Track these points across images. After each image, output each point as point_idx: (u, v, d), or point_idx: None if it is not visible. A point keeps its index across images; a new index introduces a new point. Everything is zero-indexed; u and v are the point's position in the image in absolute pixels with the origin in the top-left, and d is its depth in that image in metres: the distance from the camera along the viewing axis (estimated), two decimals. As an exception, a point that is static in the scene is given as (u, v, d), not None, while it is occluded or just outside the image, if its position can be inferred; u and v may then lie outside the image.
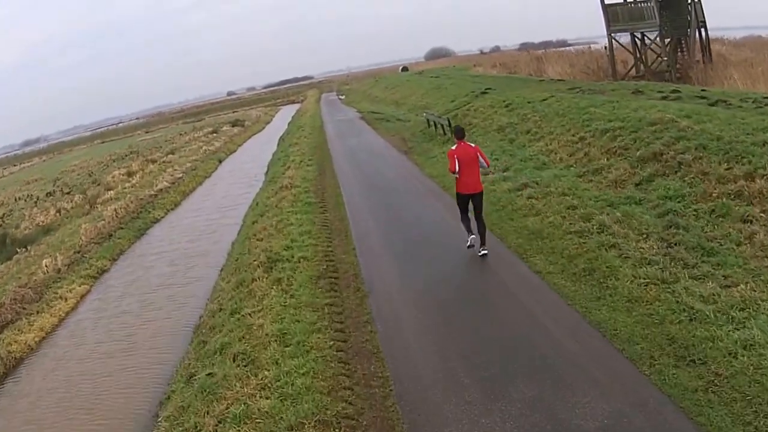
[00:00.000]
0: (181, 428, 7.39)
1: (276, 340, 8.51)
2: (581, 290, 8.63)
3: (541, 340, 7.50)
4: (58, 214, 29.77)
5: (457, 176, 10.61)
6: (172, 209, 26.40)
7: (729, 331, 6.82)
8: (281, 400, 7.04)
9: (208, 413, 7.29)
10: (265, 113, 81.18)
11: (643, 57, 31.74)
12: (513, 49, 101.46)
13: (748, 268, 8.25)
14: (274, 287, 10.67)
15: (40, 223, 28.29)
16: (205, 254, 17.83)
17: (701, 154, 11.79)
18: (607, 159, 13.87)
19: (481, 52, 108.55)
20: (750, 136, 11.73)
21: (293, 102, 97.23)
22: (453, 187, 11.51)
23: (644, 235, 9.78)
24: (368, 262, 11.53)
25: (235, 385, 7.63)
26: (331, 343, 8.34)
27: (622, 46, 33.02)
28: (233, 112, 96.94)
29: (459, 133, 10.99)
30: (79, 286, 16.74)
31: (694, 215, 10.15)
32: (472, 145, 10.99)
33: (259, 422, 6.75)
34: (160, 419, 8.37)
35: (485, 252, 10.57)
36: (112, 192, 31.18)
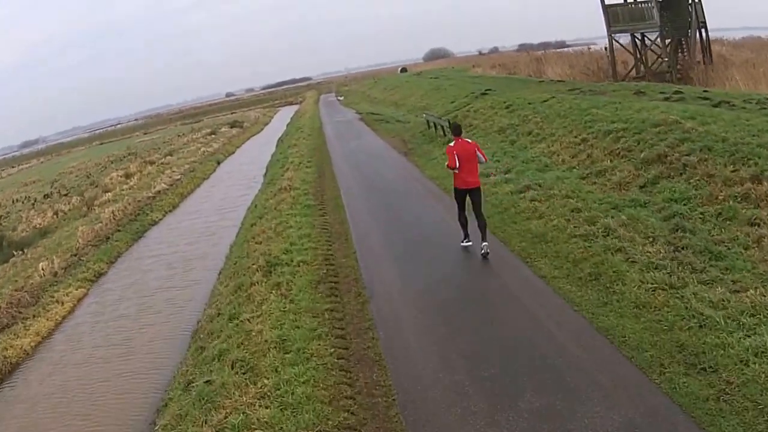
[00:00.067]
0: (178, 438, 7.23)
1: (275, 347, 8.32)
2: (587, 295, 8.44)
3: (548, 347, 7.31)
4: (55, 216, 29.61)
5: (457, 171, 10.72)
6: (170, 211, 26.24)
7: (740, 337, 6.64)
8: (281, 409, 6.85)
9: (206, 422, 7.10)
10: (264, 114, 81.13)
11: (644, 58, 31.60)
12: (512, 50, 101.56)
13: (757, 272, 8.07)
14: (273, 292, 10.47)
15: (37, 226, 28.13)
16: (203, 257, 17.67)
17: (706, 156, 11.63)
18: (611, 161, 13.70)
19: (480, 53, 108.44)
20: (756, 138, 11.58)
21: (292, 103, 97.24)
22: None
23: (650, 239, 9.59)
24: (369, 266, 11.34)
25: (233, 394, 7.44)
26: (332, 350, 8.15)
27: (623, 46, 32.89)
28: (232, 113, 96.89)
29: (456, 130, 11.24)
30: (76, 290, 16.57)
31: (700, 218, 9.97)
32: (470, 141, 11.17)
33: (259, 433, 6.57)
34: (157, 428, 8.18)
35: (487, 251, 10.51)
36: (109, 194, 31.04)
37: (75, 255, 19.78)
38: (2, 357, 12.69)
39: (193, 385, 8.41)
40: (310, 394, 7.04)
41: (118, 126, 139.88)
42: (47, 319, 14.71)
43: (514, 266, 10.04)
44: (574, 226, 10.80)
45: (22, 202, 38.94)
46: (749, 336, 6.64)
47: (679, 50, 30.23)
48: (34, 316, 14.86)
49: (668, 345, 6.89)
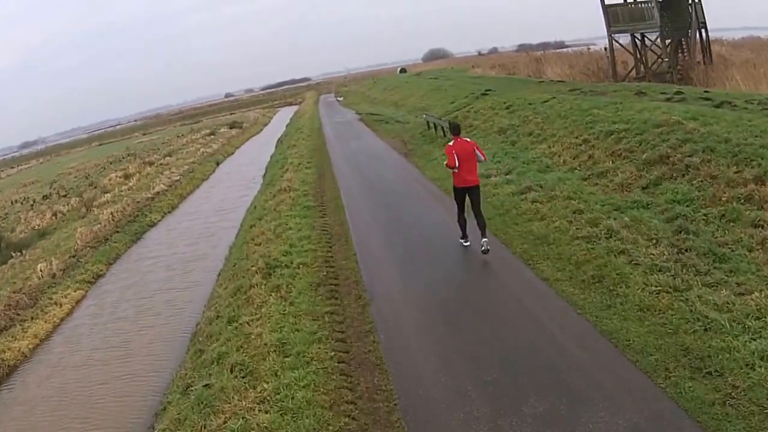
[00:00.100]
0: (177, 443, 7.15)
1: (275, 351, 8.23)
2: (590, 298, 8.35)
3: (552, 351, 7.23)
4: (54, 217, 29.53)
5: (456, 171, 10.78)
6: (169, 212, 26.20)
7: (745, 341, 6.57)
8: (281, 414, 6.77)
9: (204, 427, 7.04)
10: (263, 115, 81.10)
11: (644, 58, 31.52)
12: (511, 50, 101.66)
13: (761, 274, 8.00)
14: (273, 294, 10.39)
15: (36, 227, 28.06)
16: (203, 258, 17.61)
17: (709, 157, 11.54)
18: (612, 162, 13.60)
19: (479, 54, 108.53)
20: (759, 139, 11.49)
21: (291, 104, 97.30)
22: (455, 191, 11.44)
23: (654, 241, 9.50)
24: (369, 268, 11.23)
25: (232, 398, 7.36)
26: (333, 353, 8.06)
27: (623, 46, 32.81)
28: (231, 113, 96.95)
29: (455, 129, 11.32)
30: (75, 292, 16.52)
31: (703, 220, 9.88)
32: (468, 140, 11.23)
33: (259, 438, 6.49)
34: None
35: (487, 247, 10.52)
36: (108, 195, 30.98)
37: (73, 256, 19.71)
38: (0, 359, 12.61)
39: (192, 388, 8.33)
40: (311, 399, 6.95)
41: (118, 127, 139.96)
42: (45, 321, 14.65)
43: (516, 268, 9.94)
44: (577, 228, 10.70)
45: (21, 203, 38.87)
46: (755, 339, 6.57)
47: (679, 50, 30.15)
48: (32, 318, 14.79)
49: (673, 348, 6.82)
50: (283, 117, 68.99)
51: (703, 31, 30.21)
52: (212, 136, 55.45)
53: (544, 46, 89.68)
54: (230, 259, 15.10)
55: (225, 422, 6.91)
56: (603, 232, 10.13)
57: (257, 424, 6.65)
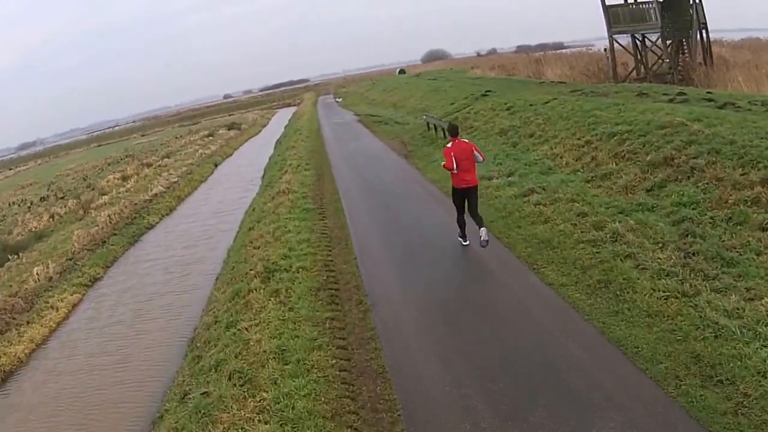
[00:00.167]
0: (174, 454, 6.97)
1: (274, 358, 8.04)
2: (597, 304, 8.17)
3: (558, 358, 7.05)
4: (51, 219, 29.35)
5: (455, 172, 10.81)
6: (167, 214, 26.02)
7: (757, 348, 6.42)
8: (281, 425, 6.59)
9: (202, 438, 6.86)
10: (262, 116, 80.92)
11: (644, 59, 31.40)
12: (510, 51, 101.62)
13: (770, 279, 7.83)
14: (272, 299, 10.19)
15: (33, 229, 27.85)
16: (201, 261, 17.47)
17: (714, 159, 11.36)
18: (616, 163, 13.41)
19: (478, 55, 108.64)
20: (764, 140, 11.29)
21: (290, 105, 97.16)
22: (456, 192, 11.35)
23: (660, 245, 9.32)
24: (370, 273, 11.04)
25: (231, 407, 7.17)
26: (334, 361, 7.87)
27: (623, 47, 32.68)
28: (229, 115, 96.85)
29: (453, 131, 11.32)
30: (71, 295, 16.35)
31: (710, 223, 9.69)
32: (467, 141, 11.26)
33: (258, 450, 6.32)
34: (153, 441, 7.98)
35: (486, 237, 10.56)
36: (106, 197, 30.79)
37: (70, 259, 19.55)
38: (-5, 365, 12.44)
39: (190, 396, 8.17)
40: (312, 409, 6.77)
41: (116, 128, 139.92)
42: (42, 326, 14.51)
43: (520, 273, 9.76)
44: (581, 232, 10.53)
45: (19, 205, 38.69)
46: (766, 346, 6.44)
47: (680, 51, 30.03)
48: (28, 323, 14.64)
49: (683, 356, 6.66)
50: (281, 118, 68.82)
51: (703, 31, 30.12)
52: (210, 138, 55.30)
53: (543, 47, 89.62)
54: (228, 263, 14.93)
55: (224, 432, 6.73)
56: (608, 236, 9.95)
57: (257, 435, 6.48)
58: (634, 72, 31.45)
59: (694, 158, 11.72)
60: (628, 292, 8.18)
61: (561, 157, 15.64)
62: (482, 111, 25.02)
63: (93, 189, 35.36)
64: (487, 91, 29.47)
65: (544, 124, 18.82)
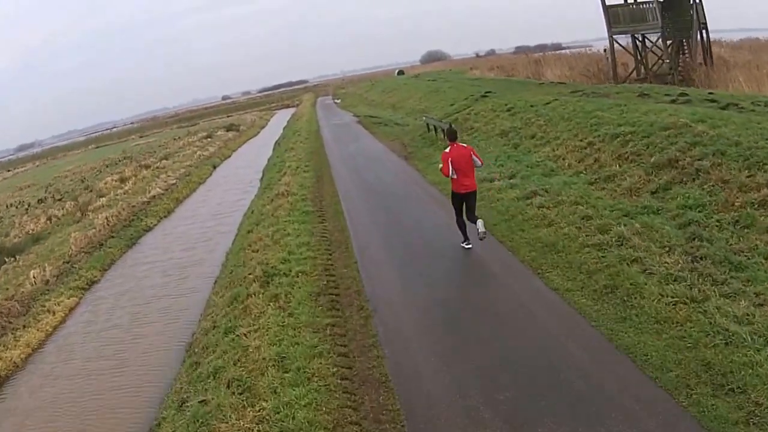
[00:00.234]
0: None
1: (274, 365, 7.85)
2: (604, 310, 7.99)
3: (566, 367, 6.86)
4: (48, 221, 29.15)
5: (454, 177, 10.80)
6: (165, 216, 25.87)
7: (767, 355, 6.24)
8: (281, 436, 6.41)
9: (200, 449, 6.68)
10: (260, 117, 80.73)
11: (644, 59, 31.26)
12: (508, 52, 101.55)
13: (780, 284, 7.67)
14: (271, 304, 10.01)
15: (30, 231, 27.69)
16: (199, 264, 17.32)
17: (720, 161, 11.20)
18: (620, 165, 13.25)
19: (477, 55, 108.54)
20: (770, 142, 11.17)
21: (288, 106, 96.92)
22: (457, 195, 11.26)
23: (667, 248, 9.15)
24: (371, 277, 10.84)
25: (230, 417, 6.99)
26: (335, 369, 7.67)
27: (623, 48, 32.54)
28: (228, 116, 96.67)
29: (452, 135, 11.22)
30: (68, 299, 16.19)
31: (717, 226, 9.54)
32: (465, 145, 11.24)
33: (258, 463, 6.14)
34: (149, 450, 7.81)
35: (483, 229, 10.58)
36: (104, 199, 30.63)
37: (67, 262, 19.39)
38: (-9, 369, 12.31)
39: (188, 404, 8.01)
40: (312, 419, 6.57)
41: (114, 129, 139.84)
42: (38, 330, 14.37)
43: (524, 277, 9.57)
44: (586, 235, 10.35)
45: (16, 207, 38.50)
46: (777, 353, 6.23)
47: (680, 52, 29.90)
48: (24, 327, 14.50)
49: (693, 364, 6.48)
50: (280, 119, 68.66)
51: (703, 32, 29.98)
52: (209, 139, 55.17)
53: (542, 47, 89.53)
54: (227, 266, 14.77)
55: (222, 443, 6.56)
56: (614, 240, 9.78)
57: (256, 447, 6.30)
58: (635, 72, 31.30)
59: (699, 160, 11.57)
60: (635, 298, 8.00)
61: (563, 159, 15.48)
62: (482, 112, 24.86)
63: (91, 191, 35.19)
64: (487, 92, 29.31)
65: (546, 125, 18.66)
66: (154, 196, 28.74)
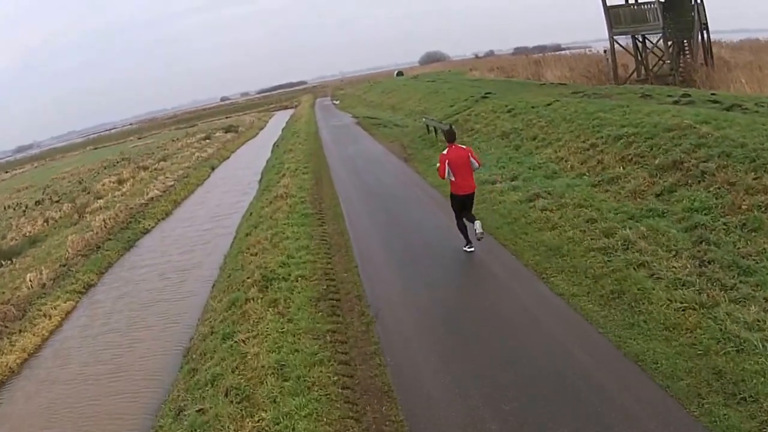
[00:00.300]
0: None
1: (273, 373, 7.65)
2: (611, 316, 7.79)
3: (574, 375, 6.67)
4: (45, 223, 28.93)
5: (453, 179, 10.79)
6: (163, 219, 25.67)
7: (780, 363, 6.07)
8: (281, 448, 6.22)
9: (198, 461, 6.49)
10: (259, 119, 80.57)
11: (645, 60, 31.12)
12: (507, 53, 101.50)
13: (790, 289, 7.50)
14: (270, 309, 9.81)
15: (27, 234, 27.44)
16: (197, 267, 17.15)
17: (725, 163, 11.03)
18: (623, 167, 13.07)
19: (476, 56, 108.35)
20: (776, 144, 11.00)
21: (287, 107, 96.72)
22: (458, 197, 11.14)
23: (674, 252, 8.96)
24: (372, 282, 10.64)
25: (228, 427, 6.81)
26: (336, 378, 7.46)
27: (624, 48, 32.40)
28: (227, 117, 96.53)
29: (450, 137, 11.18)
30: (65, 303, 16.00)
31: (724, 229, 9.34)
32: (464, 147, 11.25)
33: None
34: (146, 461, 7.63)
35: (481, 230, 10.57)
36: (101, 201, 30.45)
37: (64, 265, 19.19)
38: (-13, 375, 12.15)
39: (185, 413, 7.82)
40: (313, 431, 6.39)
41: (113, 130, 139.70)
42: (34, 335, 14.19)
43: (529, 282, 9.37)
44: (591, 239, 10.16)
45: (13, 209, 38.26)
46: (790, 361, 6.07)
47: (681, 52, 29.76)
48: (20, 331, 14.32)
49: (704, 372, 6.31)
50: (279, 121, 68.48)
51: (704, 32, 29.84)
52: (207, 140, 55.02)
53: (541, 48, 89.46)
54: (225, 270, 14.58)
55: (220, 456, 6.37)
56: (619, 243, 9.59)
57: (256, 460, 6.11)
58: (635, 73, 31.16)
59: (704, 162, 11.40)
60: (643, 303, 7.82)
61: (566, 161, 15.29)
62: (483, 113, 24.68)
63: (88, 193, 35.01)
64: (487, 93, 29.17)
65: (547, 126, 18.48)
66: (152, 198, 28.56)
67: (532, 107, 21.29)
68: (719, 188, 10.51)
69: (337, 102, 77.48)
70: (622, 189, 12.21)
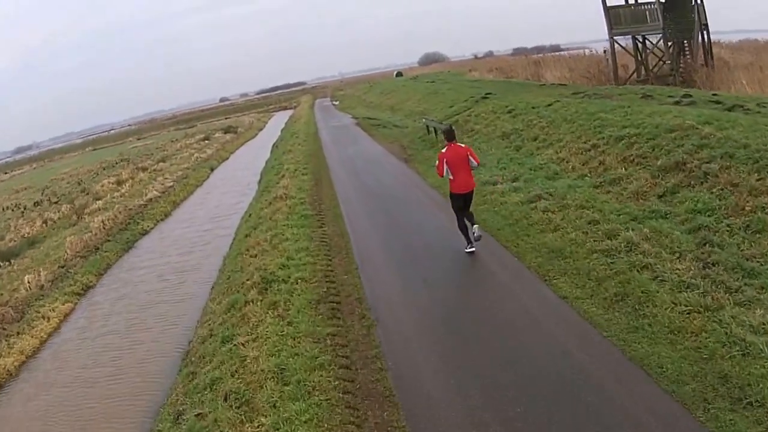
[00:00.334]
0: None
1: (273, 378, 7.55)
2: (615, 319, 7.68)
3: (579, 380, 6.56)
4: (44, 225, 28.80)
5: (451, 178, 10.83)
6: (162, 220, 25.57)
7: (786, 367, 5.98)
8: (281, 455, 6.12)
9: (197, 467, 6.40)
10: (258, 119, 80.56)
11: (645, 60, 31.04)
12: (506, 53, 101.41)
13: (795, 291, 7.41)
14: (270, 312, 9.71)
15: (26, 235, 27.30)
16: (196, 268, 17.06)
17: (728, 164, 10.94)
18: (625, 168, 12.98)
19: (476, 57, 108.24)
20: (779, 145, 10.92)
21: (286, 108, 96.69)
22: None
23: (678, 255, 8.87)
24: (373, 284, 10.53)
25: (227, 433, 6.72)
26: (336, 382, 7.35)
27: (624, 49, 32.32)
28: (226, 118, 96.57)
29: (449, 135, 11.25)
30: (63, 305, 15.91)
31: (727, 231, 9.25)
32: (462, 145, 11.28)
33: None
34: (144, 466, 7.53)
35: (480, 233, 10.75)
36: (100, 202, 30.33)
37: (62, 267, 19.11)
38: (-15, 378, 12.06)
39: (184, 417, 7.73)
40: (314, 437, 6.29)
41: (112, 131, 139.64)
42: (32, 337, 14.09)
43: (531, 284, 9.26)
44: (594, 240, 10.05)
45: (12, 210, 38.11)
46: (796, 365, 5.99)
47: (681, 53, 29.69)
48: (18, 334, 14.22)
49: (710, 376, 6.21)
50: (278, 121, 68.45)
51: (705, 33, 29.77)
52: (207, 141, 54.94)
53: (540, 49, 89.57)
54: (224, 271, 14.48)
55: (219, 462, 6.27)
56: (623, 245, 9.47)
57: (255, 466, 6.01)
58: (635, 74, 31.08)
59: (706, 163, 11.31)
60: (647, 306, 7.71)
61: (567, 162, 15.20)
62: (483, 114, 24.61)
63: (87, 194, 34.90)
64: (487, 94, 29.10)
65: (548, 127, 18.39)
66: (151, 199, 28.47)
67: (533, 108, 21.20)
68: (722, 189, 10.41)
69: (337, 103, 77.48)
70: (625, 190, 12.12)
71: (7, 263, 21.65)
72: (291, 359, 7.98)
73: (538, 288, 9.09)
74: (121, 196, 30.94)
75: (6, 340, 13.89)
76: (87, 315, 15.32)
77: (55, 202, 35.56)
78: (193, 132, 73.97)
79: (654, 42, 30.56)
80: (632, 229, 9.99)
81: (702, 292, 7.65)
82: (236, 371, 8.10)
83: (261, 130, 65.79)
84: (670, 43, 29.31)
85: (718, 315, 7.14)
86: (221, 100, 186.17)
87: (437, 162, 11.01)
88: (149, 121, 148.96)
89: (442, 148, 11.27)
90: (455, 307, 9.11)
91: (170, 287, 15.90)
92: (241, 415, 7.00)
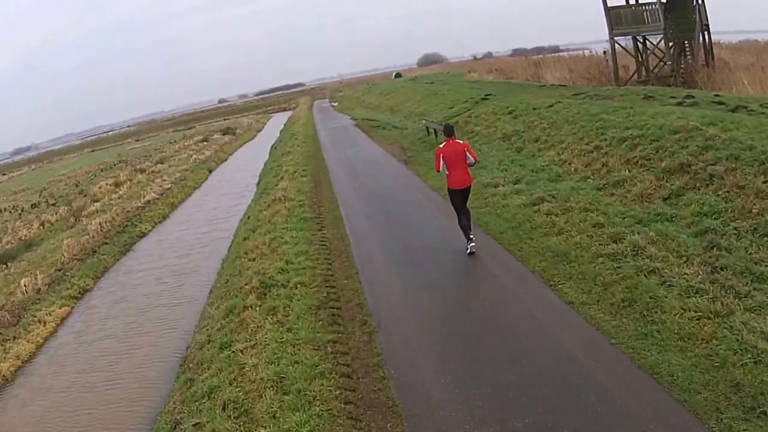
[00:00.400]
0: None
1: (272, 387, 7.34)
2: (623, 325, 7.48)
3: (587, 390, 6.37)
4: (41, 227, 28.70)
5: (447, 173, 10.94)
6: (160, 222, 25.52)
7: (799, 375, 5.82)
8: (281, 468, 5.93)
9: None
10: (257, 121, 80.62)
11: (645, 61, 30.91)
12: (506, 54, 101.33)
13: (805, 297, 7.24)
14: (269, 318, 9.50)
15: (23, 237, 27.20)
16: (195, 271, 16.97)
17: (734, 165, 10.76)
18: (629, 170, 12.80)
19: (475, 58, 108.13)
20: (786, 146, 10.75)
21: (285, 109, 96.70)
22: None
23: (685, 259, 8.68)
24: (374, 289, 10.33)
25: (225, 444, 6.53)
26: (338, 392, 7.13)
27: (624, 49, 32.19)
28: (224, 119, 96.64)
29: (448, 131, 11.30)
30: (60, 308, 15.82)
31: (734, 234, 9.07)
32: (461, 142, 11.30)
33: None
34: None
35: (473, 245, 10.80)
36: (98, 204, 30.26)
37: (59, 270, 18.99)
38: (-21, 384, 11.95)
39: (181, 427, 7.54)
40: (315, 449, 6.10)
41: (111, 133, 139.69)
42: (28, 341, 14.02)
43: (536, 289, 9.06)
44: (599, 244, 9.86)
45: (10, 212, 37.99)
46: (810, 373, 5.82)
47: (682, 53, 29.56)
48: (14, 338, 14.15)
49: (722, 385, 6.03)
50: (277, 123, 68.42)
51: (705, 33, 29.64)
52: (205, 143, 54.90)
53: (539, 50, 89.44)
54: (222, 275, 14.30)
55: (217, 475, 6.09)
56: (629, 249, 9.28)
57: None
58: (636, 74, 30.95)
59: (712, 165, 11.13)
60: (656, 312, 7.52)
61: (569, 163, 15.03)
62: (483, 115, 24.45)
63: (85, 195, 34.78)
64: (487, 95, 28.97)
65: (550, 128, 18.23)
66: (149, 201, 28.38)
67: (534, 109, 21.04)
68: (728, 192, 10.23)
69: (336, 104, 77.42)
70: (629, 192, 11.94)
71: (3, 266, 21.59)
72: (291, 367, 7.77)
73: (543, 293, 8.89)
74: (118, 198, 30.85)
75: (2, 345, 13.81)
76: (84, 319, 15.22)
77: (53, 204, 35.45)
78: (191, 133, 74.02)
79: (655, 42, 30.44)
80: (638, 233, 9.81)
81: (711, 298, 7.47)
82: (235, 379, 7.90)
83: (260, 131, 65.80)
84: (671, 44, 29.19)
85: (728, 321, 6.96)
86: (220, 101, 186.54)
87: (435, 161, 11.17)
88: (148, 122, 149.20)
89: (440, 144, 11.25)
90: (457, 312, 8.91)
91: (168, 290, 15.81)
92: (239, 425, 6.79)
